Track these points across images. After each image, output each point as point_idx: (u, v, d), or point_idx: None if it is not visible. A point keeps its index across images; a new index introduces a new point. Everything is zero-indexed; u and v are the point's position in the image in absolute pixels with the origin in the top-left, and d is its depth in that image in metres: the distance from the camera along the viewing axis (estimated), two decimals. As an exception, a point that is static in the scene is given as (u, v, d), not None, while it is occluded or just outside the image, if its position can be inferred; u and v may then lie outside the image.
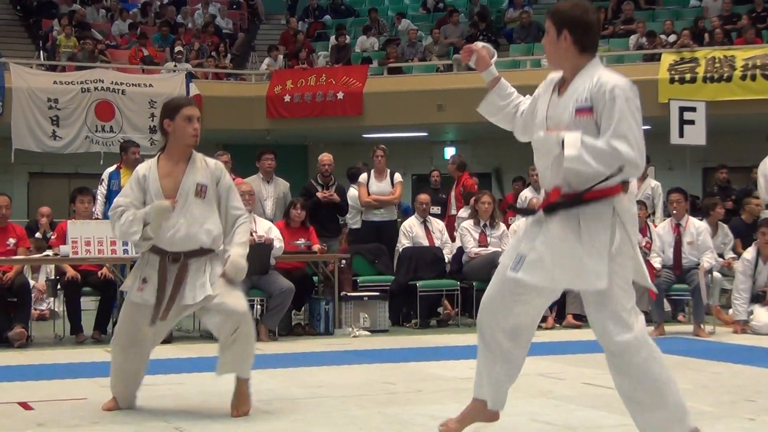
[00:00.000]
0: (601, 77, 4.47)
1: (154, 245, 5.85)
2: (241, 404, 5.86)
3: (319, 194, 12.42)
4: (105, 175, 12.08)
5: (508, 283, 4.64)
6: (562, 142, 4.38)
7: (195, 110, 5.97)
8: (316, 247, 11.27)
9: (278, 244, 10.63)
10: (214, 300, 5.76)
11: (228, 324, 5.74)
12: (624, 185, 4.46)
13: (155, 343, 6.16)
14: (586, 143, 4.35)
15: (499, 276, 4.74)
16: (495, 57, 4.99)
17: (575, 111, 4.47)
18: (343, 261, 11.54)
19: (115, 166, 12.25)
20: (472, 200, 12.81)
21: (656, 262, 10.85)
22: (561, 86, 4.65)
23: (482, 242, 11.87)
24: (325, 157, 12.82)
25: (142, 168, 6.02)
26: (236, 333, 5.74)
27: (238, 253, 5.87)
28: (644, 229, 12.41)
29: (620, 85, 4.42)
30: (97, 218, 11.15)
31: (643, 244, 12.11)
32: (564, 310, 11.59)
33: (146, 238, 5.78)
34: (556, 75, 4.73)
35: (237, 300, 5.84)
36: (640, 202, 13.05)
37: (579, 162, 4.34)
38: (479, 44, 5.02)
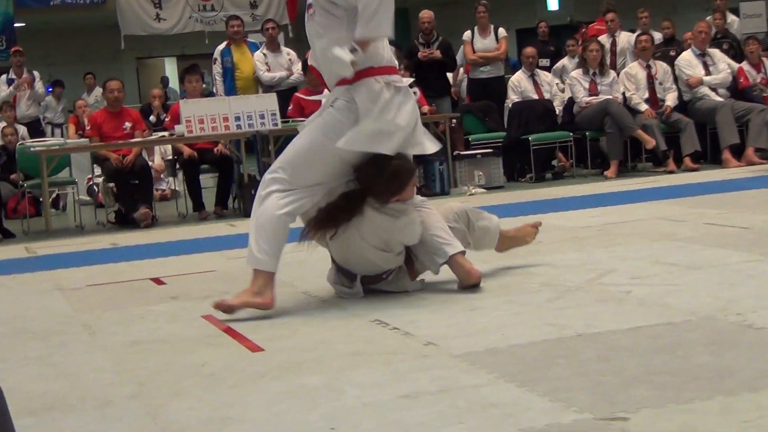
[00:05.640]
0: None
1: None
2: None
3: (419, 54, 12.33)
4: (217, 54, 12.21)
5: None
6: None
7: None
8: (425, 108, 11.19)
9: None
10: None
11: None
12: None
13: None
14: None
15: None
16: None
17: None
18: (454, 120, 11.50)
19: (224, 44, 12.36)
20: (579, 48, 12.61)
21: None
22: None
23: (593, 91, 11.68)
24: (425, 14, 12.66)
25: None
26: None
27: None
28: (758, 65, 12.09)
29: None
30: (220, 96, 11.26)
31: (759, 80, 11.83)
32: (681, 153, 11.43)
33: None
34: None
35: None
36: (751, 38, 12.70)
37: None
38: None
